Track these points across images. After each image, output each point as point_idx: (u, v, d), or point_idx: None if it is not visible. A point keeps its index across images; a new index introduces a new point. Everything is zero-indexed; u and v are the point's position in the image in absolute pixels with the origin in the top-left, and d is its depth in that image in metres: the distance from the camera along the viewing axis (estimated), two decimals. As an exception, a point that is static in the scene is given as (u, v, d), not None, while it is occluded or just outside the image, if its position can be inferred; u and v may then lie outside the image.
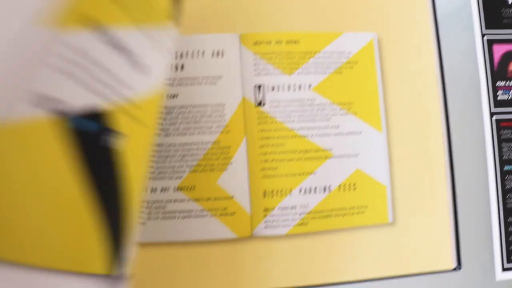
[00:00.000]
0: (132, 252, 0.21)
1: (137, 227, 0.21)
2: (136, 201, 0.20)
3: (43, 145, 0.15)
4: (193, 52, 0.35)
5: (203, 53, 0.35)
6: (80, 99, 0.16)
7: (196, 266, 0.34)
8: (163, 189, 0.34)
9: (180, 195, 0.34)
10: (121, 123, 0.18)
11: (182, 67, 0.35)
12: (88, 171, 0.16)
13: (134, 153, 0.19)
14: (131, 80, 0.18)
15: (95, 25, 0.16)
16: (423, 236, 0.36)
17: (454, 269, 0.36)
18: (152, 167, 0.34)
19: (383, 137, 0.36)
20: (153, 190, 0.34)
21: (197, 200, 0.34)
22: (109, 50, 0.17)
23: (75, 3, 0.15)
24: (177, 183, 0.34)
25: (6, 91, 0.14)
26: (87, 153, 0.16)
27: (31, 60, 0.14)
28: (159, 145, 0.34)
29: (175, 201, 0.34)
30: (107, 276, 0.18)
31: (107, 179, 0.18)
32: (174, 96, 0.35)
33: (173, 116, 0.35)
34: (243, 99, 0.35)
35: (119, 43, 0.17)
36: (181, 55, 0.35)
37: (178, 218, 0.34)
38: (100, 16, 0.16)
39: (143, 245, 0.34)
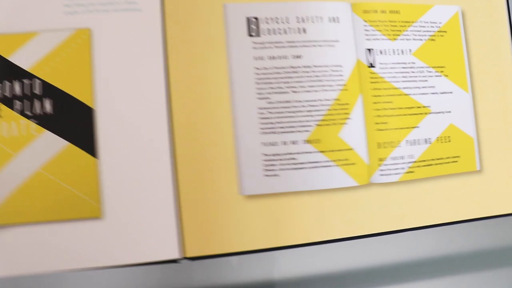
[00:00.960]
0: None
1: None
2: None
3: None
4: (313, 17, 0.38)
5: (321, 18, 0.38)
6: None
7: (322, 212, 0.37)
8: (293, 142, 0.37)
9: (308, 147, 0.37)
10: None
11: (304, 30, 0.38)
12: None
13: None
14: None
15: None
16: (505, 182, 0.42)
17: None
18: (283, 122, 0.37)
19: (470, 96, 0.41)
20: (285, 143, 0.37)
21: (322, 151, 0.37)
22: None
23: None
24: (305, 136, 0.37)
25: None
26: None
27: None
28: (288, 101, 0.37)
29: (304, 152, 0.37)
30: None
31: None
32: (298, 56, 0.38)
33: (298, 75, 0.38)
34: (358, 61, 0.39)
35: None
36: (303, 20, 0.38)
37: (306, 168, 0.37)
38: None
39: (277, 195, 0.37)
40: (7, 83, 0.35)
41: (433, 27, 0.41)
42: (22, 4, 0.36)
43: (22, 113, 0.35)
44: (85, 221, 0.35)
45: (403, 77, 0.40)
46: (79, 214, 0.35)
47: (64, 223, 0.35)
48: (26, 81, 0.35)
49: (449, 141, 0.41)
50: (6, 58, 0.35)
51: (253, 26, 0.38)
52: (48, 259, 0.35)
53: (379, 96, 0.39)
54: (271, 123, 0.37)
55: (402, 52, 0.40)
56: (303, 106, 0.37)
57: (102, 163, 0.35)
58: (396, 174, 0.39)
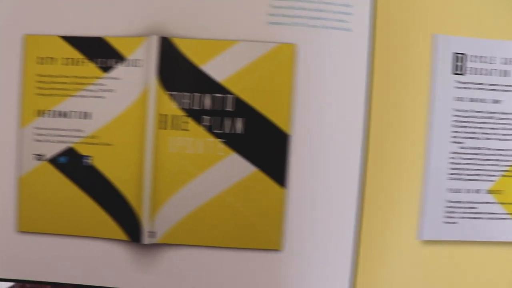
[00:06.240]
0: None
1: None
2: (128, 189, 0.32)
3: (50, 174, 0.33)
4: (516, 59, 0.35)
5: (524, 60, 0.35)
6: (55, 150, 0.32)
7: (492, 267, 0.36)
8: (476, 191, 0.35)
9: (489, 197, 0.36)
10: (84, 150, 0.33)
11: (505, 73, 0.35)
12: (77, 181, 0.33)
13: (107, 162, 0.33)
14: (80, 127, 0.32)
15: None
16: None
17: None
18: (471, 169, 0.35)
19: None
20: (468, 191, 0.35)
21: (502, 203, 0.36)
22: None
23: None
24: (488, 186, 0.35)
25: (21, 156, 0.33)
26: (73, 172, 0.33)
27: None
28: (479, 148, 0.35)
29: (484, 202, 0.36)
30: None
31: (93, 183, 0.33)
32: (497, 101, 0.35)
33: (493, 121, 0.35)
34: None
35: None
36: (505, 62, 0.35)
37: (484, 219, 0.36)
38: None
39: (451, 242, 0.36)
40: (197, 95, 0.32)
41: None
42: (224, 7, 0.32)
43: (210, 130, 0.32)
44: (263, 252, 0.33)
45: None
46: (258, 244, 0.33)
47: (240, 251, 0.33)
48: (218, 95, 0.32)
49: None
50: (199, 66, 0.32)
51: (459, 63, 0.35)
52: (216, 286, 0.33)
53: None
54: (460, 169, 0.35)
55: None
56: (492, 154, 0.35)
57: (289, 194, 0.32)
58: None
